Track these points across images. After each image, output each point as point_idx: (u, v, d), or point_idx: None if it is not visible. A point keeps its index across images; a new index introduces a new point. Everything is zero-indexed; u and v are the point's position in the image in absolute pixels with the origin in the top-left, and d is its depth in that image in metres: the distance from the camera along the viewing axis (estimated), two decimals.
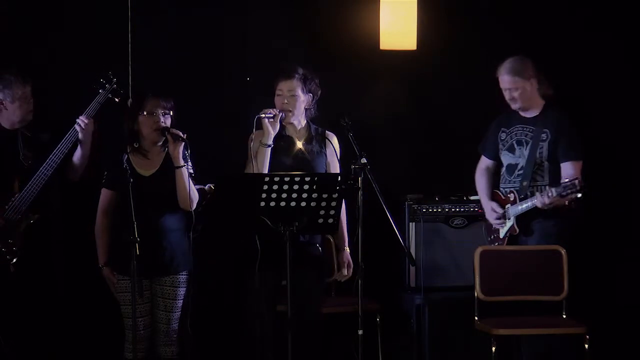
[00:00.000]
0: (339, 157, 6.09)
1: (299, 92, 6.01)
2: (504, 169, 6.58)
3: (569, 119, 6.48)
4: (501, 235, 6.53)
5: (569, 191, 6.10)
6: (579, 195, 6.11)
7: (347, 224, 6.09)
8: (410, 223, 6.91)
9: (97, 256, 6.04)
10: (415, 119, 7.33)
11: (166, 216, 5.95)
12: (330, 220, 5.58)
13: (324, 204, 5.52)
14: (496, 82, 7.15)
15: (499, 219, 6.50)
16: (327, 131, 6.13)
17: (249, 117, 6.01)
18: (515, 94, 6.47)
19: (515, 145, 6.52)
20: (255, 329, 5.94)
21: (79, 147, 6.15)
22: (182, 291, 6.00)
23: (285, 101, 5.99)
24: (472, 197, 6.98)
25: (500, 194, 6.56)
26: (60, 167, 6.12)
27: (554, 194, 6.16)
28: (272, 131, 5.94)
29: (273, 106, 6.02)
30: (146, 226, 5.78)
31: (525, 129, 6.51)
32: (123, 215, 5.74)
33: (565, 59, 7.14)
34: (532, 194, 6.37)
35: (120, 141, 6.02)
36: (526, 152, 6.46)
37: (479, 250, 6.50)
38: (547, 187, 6.27)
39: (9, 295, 6.08)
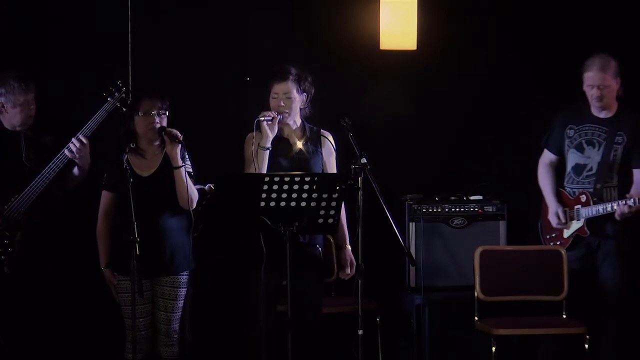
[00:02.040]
0: (335, 155, 6.09)
1: (295, 93, 6.01)
2: (569, 168, 6.46)
3: None
4: (565, 236, 6.47)
5: None
6: None
7: (347, 221, 6.09)
8: (410, 223, 6.90)
9: (97, 257, 6.04)
10: (415, 119, 7.32)
11: (166, 216, 5.95)
12: (330, 220, 5.58)
13: (324, 204, 5.52)
14: (497, 81, 7.17)
15: (560, 225, 6.41)
16: (322, 130, 6.13)
17: (249, 117, 6.01)
18: (605, 92, 6.31)
19: (585, 145, 6.41)
20: (256, 329, 5.94)
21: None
22: (182, 292, 6.00)
23: (282, 103, 5.99)
24: (472, 197, 6.98)
25: (566, 193, 6.48)
26: (63, 171, 6.10)
27: (637, 204, 6.10)
28: (270, 134, 5.94)
29: (269, 108, 6.03)
30: (147, 226, 5.78)
31: (598, 129, 6.38)
32: (124, 216, 5.74)
33: (565, 58, 7.13)
34: (602, 198, 6.31)
35: (118, 143, 6.02)
36: (598, 153, 6.35)
37: (479, 250, 6.51)
38: (634, 196, 6.15)
39: (6, 296, 6.07)
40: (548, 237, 6.57)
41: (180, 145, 5.90)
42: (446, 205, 6.97)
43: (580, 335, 6.25)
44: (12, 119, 6.15)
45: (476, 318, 6.42)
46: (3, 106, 6.12)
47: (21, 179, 6.06)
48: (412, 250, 6.80)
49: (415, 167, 7.27)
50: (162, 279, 5.97)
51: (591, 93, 6.35)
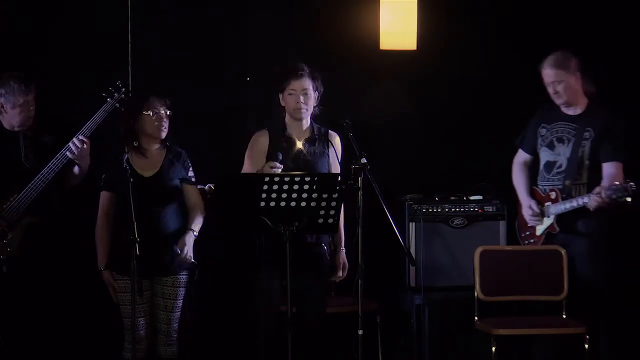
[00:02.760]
0: (340, 157, 6.09)
1: (311, 90, 6.02)
2: (542, 165, 6.49)
3: (616, 118, 6.38)
4: (538, 233, 6.48)
5: (620, 194, 6.05)
6: (629, 199, 6.06)
7: (344, 223, 6.08)
8: (410, 223, 6.90)
9: (96, 257, 6.03)
10: (415, 119, 7.32)
11: (168, 216, 5.95)
12: (330, 220, 5.58)
13: (324, 204, 5.52)
14: (497, 81, 7.17)
15: (535, 216, 6.44)
16: (330, 131, 6.14)
17: (249, 117, 6.01)
18: (559, 88, 6.36)
19: (555, 142, 6.44)
20: (257, 329, 5.94)
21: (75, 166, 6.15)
22: (182, 291, 6.01)
23: (301, 99, 5.99)
24: (472, 197, 6.98)
25: (539, 191, 6.50)
26: (62, 171, 6.10)
27: (604, 196, 6.10)
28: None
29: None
30: (147, 226, 5.78)
31: (567, 126, 6.42)
32: (124, 216, 5.74)
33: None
34: (571, 194, 6.33)
35: (118, 143, 6.02)
36: (568, 150, 6.38)
37: (479, 250, 6.51)
38: (601, 189, 6.14)
39: (5, 296, 6.07)
40: (523, 235, 6.60)
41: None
42: (446, 205, 6.97)
43: (580, 335, 6.24)
44: (11, 119, 6.15)
45: (476, 318, 6.42)
46: (2, 107, 6.12)
47: (20, 179, 6.06)
48: (412, 250, 6.79)
49: (415, 167, 7.27)
50: (162, 279, 5.97)
51: (549, 91, 6.41)
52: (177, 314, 6.01)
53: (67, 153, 6.02)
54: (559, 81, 6.37)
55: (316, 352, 5.99)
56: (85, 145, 6.02)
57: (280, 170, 5.81)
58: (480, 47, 7.32)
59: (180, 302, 6.01)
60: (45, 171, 6.03)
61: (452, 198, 7.02)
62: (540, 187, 6.51)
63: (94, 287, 6.18)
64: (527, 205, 6.48)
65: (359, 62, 7.19)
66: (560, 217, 6.37)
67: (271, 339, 5.90)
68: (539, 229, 6.49)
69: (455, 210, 6.97)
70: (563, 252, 6.41)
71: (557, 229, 6.40)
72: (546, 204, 6.42)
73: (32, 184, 6.02)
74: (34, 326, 6.13)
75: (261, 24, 7.10)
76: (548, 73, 6.40)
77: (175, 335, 6.02)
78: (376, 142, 6.99)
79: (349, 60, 7.17)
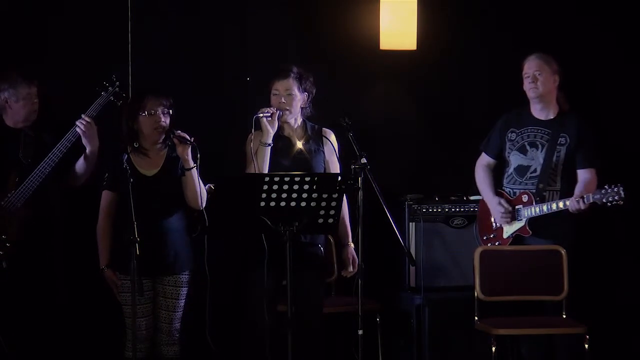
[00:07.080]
0: (337, 153, 6.10)
1: (296, 90, 6.03)
2: (511, 169, 6.49)
3: (589, 125, 6.42)
4: (505, 236, 6.50)
5: (611, 198, 6.06)
6: (621, 202, 6.08)
7: (349, 219, 6.09)
8: (410, 223, 6.90)
9: (97, 256, 6.03)
10: (415, 119, 7.33)
11: (169, 215, 5.95)
12: (331, 220, 5.59)
13: (324, 204, 5.52)
14: (497, 81, 7.18)
15: (506, 215, 6.43)
16: (324, 128, 6.14)
17: (249, 117, 6.02)
18: (540, 78, 6.37)
19: (528, 147, 6.45)
20: (256, 329, 5.94)
21: (83, 155, 6.13)
22: (184, 291, 6.01)
23: (283, 100, 6.01)
24: (472, 197, 6.98)
25: (506, 194, 6.51)
26: (59, 166, 6.10)
27: (591, 200, 6.11)
28: (271, 130, 5.96)
29: (270, 106, 6.04)
30: (149, 226, 5.78)
31: (540, 131, 6.43)
32: (125, 216, 5.73)
33: (566, 59, 7.12)
34: (543, 198, 6.34)
35: (119, 141, 6.01)
36: (541, 155, 6.39)
37: (479, 250, 6.50)
38: (582, 193, 6.17)
39: (5, 292, 6.07)
40: (485, 237, 6.59)
41: (191, 147, 5.89)
42: (446, 205, 6.97)
43: (580, 335, 6.24)
44: (16, 114, 6.16)
45: (476, 318, 6.42)
46: (7, 101, 6.14)
47: (18, 175, 6.06)
48: (412, 250, 6.80)
49: (415, 167, 7.28)
50: (164, 279, 5.97)
51: (527, 82, 6.42)
52: (179, 313, 6.01)
53: (77, 130, 6.01)
54: (540, 71, 6.39)
55: (315, 352, 5.99)
56: (90, 124, 6.01)
57: (270, 113, 5.91)
58: (480, 47, 7.32)
59: (182, 302, 6.00)
60: (42, 166, 6.02)
61: (452, 198, 7.03)
62: (507, 189, 6.50)
63: (95, 286, 6.18)
64: (496, 203, 6.46)
65: (359, 62, 7.19)
66: (531, 220, 6.37)
67: (270, 339, 5.90)
68: (507, 231, 6.48)
69: (455, 210, 6.97)
70: (563, 252, 6.41)
71: (530, 231, 6.39)
72: (517, 206, 6.41)
73: (29, 179, 6.02)
74: (34, 324, 6.13)
75: (261, 24, 7.11)
76: (531, 64, 6.43)
77: (177, 335, 6.02)
78: (376, 142, 6.99)
79: (349, 60, 7.17)
